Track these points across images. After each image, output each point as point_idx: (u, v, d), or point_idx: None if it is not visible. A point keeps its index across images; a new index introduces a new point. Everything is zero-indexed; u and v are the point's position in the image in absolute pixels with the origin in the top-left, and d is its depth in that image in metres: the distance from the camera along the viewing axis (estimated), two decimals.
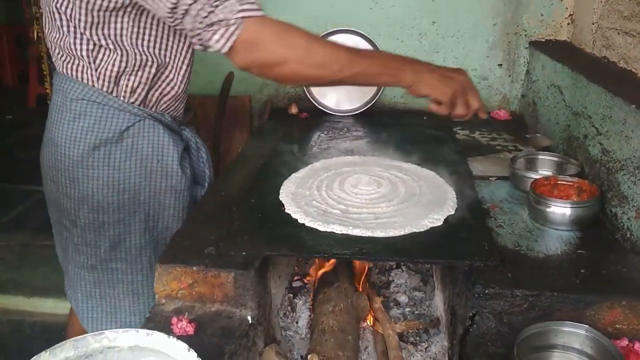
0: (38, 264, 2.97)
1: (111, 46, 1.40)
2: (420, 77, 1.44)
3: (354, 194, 1.63)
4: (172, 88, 1.53)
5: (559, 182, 1.59)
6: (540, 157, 1.83)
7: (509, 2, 2.35)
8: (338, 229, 1.42)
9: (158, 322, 1.28)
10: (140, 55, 1.43)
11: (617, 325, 1.21)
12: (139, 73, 1.45)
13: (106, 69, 1.42)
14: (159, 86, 1.50)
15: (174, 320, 1.26)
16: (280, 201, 1.59)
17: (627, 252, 1.37)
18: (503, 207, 1.60)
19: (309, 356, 1.21)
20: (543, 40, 2.37)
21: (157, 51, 1.46)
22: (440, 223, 1.46)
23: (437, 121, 2.31)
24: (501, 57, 2.42)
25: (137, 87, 1.46)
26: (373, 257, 1.42)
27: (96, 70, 1.42)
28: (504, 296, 1.23)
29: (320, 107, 2.45)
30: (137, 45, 1.42)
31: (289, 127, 2.30)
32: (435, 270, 1.80)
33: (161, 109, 1.54)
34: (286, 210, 1.53)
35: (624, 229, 1.42)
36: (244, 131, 2.55)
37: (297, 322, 1.66)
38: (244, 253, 1.34)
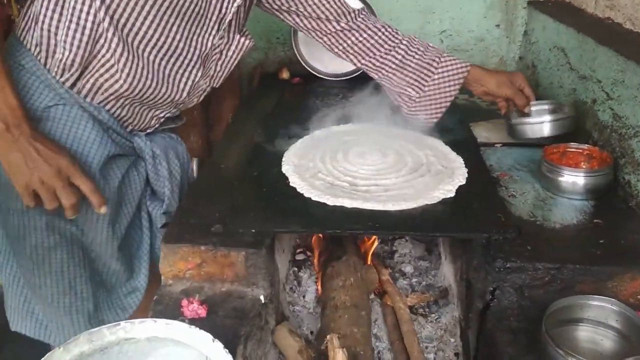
0: None
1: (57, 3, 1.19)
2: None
3: (359, 164, 1.57)
4: (112, 77, 1.25)
5: (568, 150, 1.56)
6: (533, 108, 1.74)
7: None
8: (348, 203, 1.37)
9: (167, 304, 1.23)
10: (79, 17, 1.19)
11: (639, 296, 1.19)
12: (75, 43, 1.20)
13: (44, 29, 1.21)
14: (94, 68, 1.25)
15: (185, 302, 1.20)
16: (284, 174, 1.52)
17: None
18: (512, 175, 1.57)
19: (327, 337, 1.17)
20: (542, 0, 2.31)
21: (98, 11, 1.19)
22: (452, 194, 1.42)
23: None
24: (499, 17, 2.35)
25: (71, 65, 1.22)
26: (387, 232, 1.37)
27: (38, 29, 1.21)
28: (525, 270, 1.20)
29: (312, 72, 2.35)
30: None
31: (282, 93, 2.22)
32: (443, 241, 1.76)
33: (98, 101, 1.29)
34: (291, 184, 1.47)
35: (639, 197, 1.39)
36: (234, 97, 2.45)
37: (304, 297, 1.62)
38: (253, 230, 1.28)
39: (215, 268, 1.26)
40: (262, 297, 1.25)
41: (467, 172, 1.53)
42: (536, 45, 2.19)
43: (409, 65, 1.66)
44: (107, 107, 1.31)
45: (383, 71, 1.69)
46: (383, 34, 1.66)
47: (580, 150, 1.55)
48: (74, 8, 1.19)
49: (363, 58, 1.69)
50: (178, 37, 1.32)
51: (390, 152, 1.64)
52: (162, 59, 1.32)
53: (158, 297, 1.24)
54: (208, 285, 1.27)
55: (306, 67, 2.36)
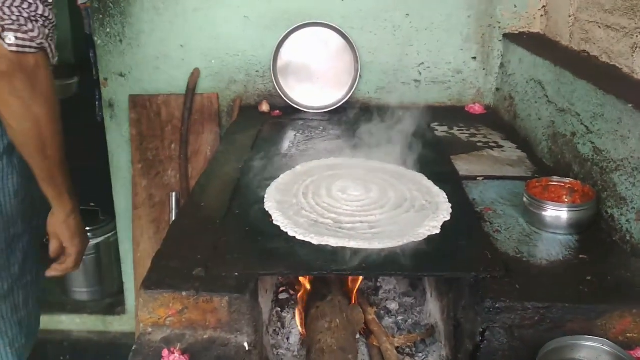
0: None
1: None
2: (75, 215, 1.39)
3: (343, 200, 1.55)
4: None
5: (551, 183, 1.56)
6: None
7: None
8: (333, 242, 1.34)
9: (147, 354, 1.17)
10: None
11: (628, 335, 1.18)
12: None
13: None
14: None
15: (165, 352, 1.15)
16: (267, 211, 1.49)
17: (629, 256, 1.34)
18: (496, 209, 1.56)
19: None
20: (517, 32, 2.34)
21: None
22: (437, 231, 1.40)
23: (413, 117, 2.27)
24: (475, 50, 2.38)
25: None
26: (375, 272, 1.34)
27: None
28: (514, 310, 1.18)
29: (292, 105, 2.35)
30: None
31: (262, 126, 2.19)
32: (428, 277, 1.74)
33: None
34: (275, 222, 1.43)
35: (622, 231, 1.39)
36: (212, 131, 2.42)
37: (287, 339, 1.57)
38: (236, 274, 1.24)
39: (198, 314, 1.21)
40: (246, 344, 1.21)
41: (451, 207, 1.51)
42: (513, 78, 2.22)
43: None
44: None
45: None
46: None
47: (563, 184, 1.55)
48: None
49: None
50: None
51: (373, 186, 1.63)
52: None
53: (137, 347, 1.19)
54: (190, 332, 1.22)
55: (286, 99, 2.35)
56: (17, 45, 1.12)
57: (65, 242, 1.41)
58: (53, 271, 1.45)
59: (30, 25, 1.13)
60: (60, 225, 1.38)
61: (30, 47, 1.14)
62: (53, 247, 1.41)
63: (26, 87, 1.16)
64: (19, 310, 1.46)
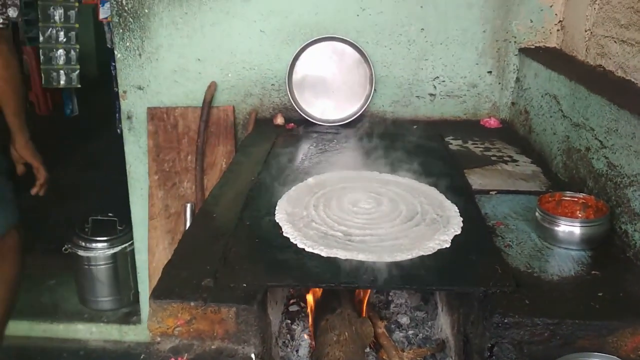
0: None
1: None
2: (31, 141, 2.10)
3: (353, 213, 1.56)
4: None
5: (564, 198, 1.55)
6: None
7: (499, 8, 2.30)
8: (342, 254, 1.34)
9: None
10: None
11: None
12: None
13: None
14: None
15: None
16: (277, 223, 1.50)
17: None
18: (508, 224, 1.55)
19: None
20: (533, 47, 2.34)
21: None
22: (448, 245, 1.40)
23: (427, 131, 2.27)
24: (491, 64, 2.38)
25: None
26: (383, 285, 1.33)
27: None
28: (523, 325, 1.17)
29: (307, 117, 2.36)
30: None
31: (276, 139, 2.21)
32: (439, 291, 1.73)
33: None
34: (285, 234, 1.44)
35: (636, 247, 1.37)
36: (228, 143, 2.45)
37: (297, 351, 1.57)
38: (244, 285, 1.25)
39: (205, 324, 1.22)
40: (253, 356, 1.21)
41: (462, 221, 1.51)
42: (528, 92, 2.21)
43: None
44: None
45: None
46: None
47: (576, 199, 1.53)
48: None
49: None
50: None
51: (384, 199, 1.63)
52: None
53: (145, 356, 1.20)
54: (197, 342, 1.23)
55: (300, 112, 2.36)
56: (2, 23, 1.84)
57: (29, 159, 2.07)
58: (36, 188, 2.14)
59: (4, 10, 1.84)
60: (23, 148, 2.04)
61: (5, 24, 1.86)
62: (20, 169, 2.11)
63: (8, 48, 1.88)
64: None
